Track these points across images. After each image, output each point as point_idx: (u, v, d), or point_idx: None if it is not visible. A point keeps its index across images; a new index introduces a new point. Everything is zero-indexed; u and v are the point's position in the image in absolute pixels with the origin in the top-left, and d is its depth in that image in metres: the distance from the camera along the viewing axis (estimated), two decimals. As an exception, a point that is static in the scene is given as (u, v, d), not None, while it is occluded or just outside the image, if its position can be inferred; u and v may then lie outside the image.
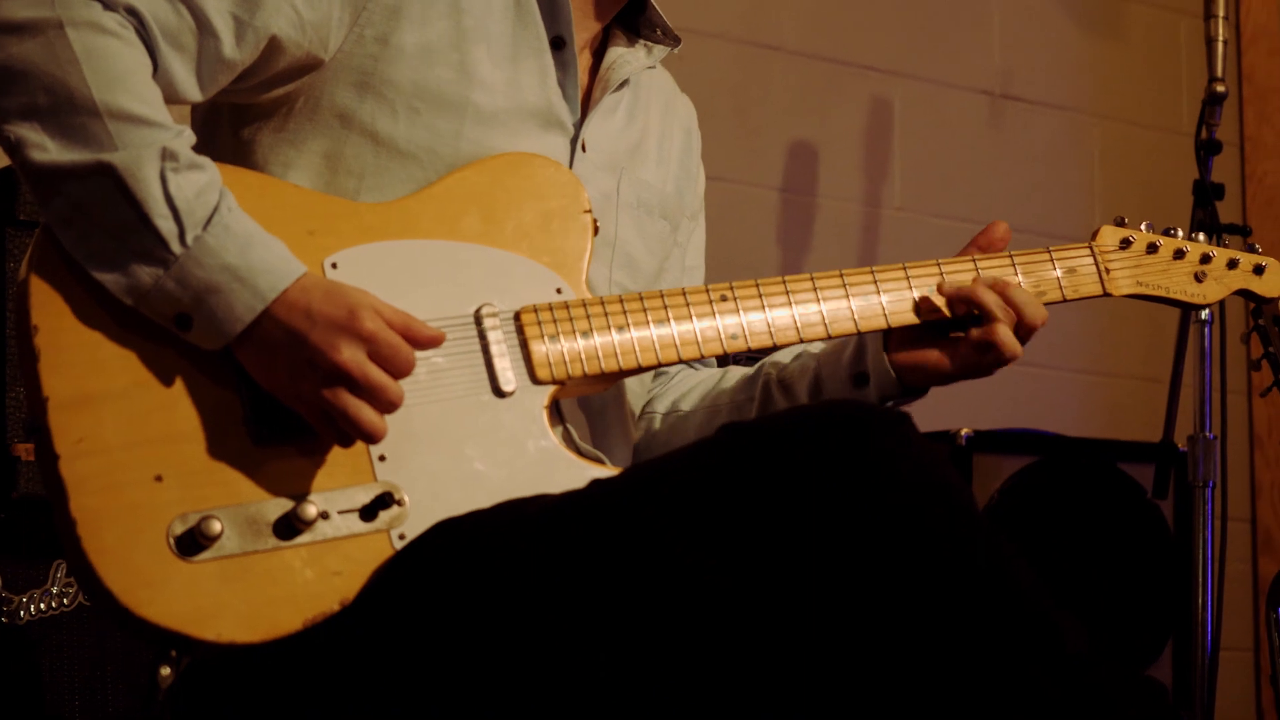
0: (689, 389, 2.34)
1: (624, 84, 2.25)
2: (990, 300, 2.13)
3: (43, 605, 2.86)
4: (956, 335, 2.18)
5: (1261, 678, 4.63)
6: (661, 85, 2.36)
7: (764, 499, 1.75)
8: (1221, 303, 3.46)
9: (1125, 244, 2.28)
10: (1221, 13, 3.67)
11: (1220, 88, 3.65)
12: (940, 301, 2.16)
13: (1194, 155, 3.68)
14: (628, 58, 2.26)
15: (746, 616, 1.74)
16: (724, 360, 2.42)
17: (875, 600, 1.72)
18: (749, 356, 2.33)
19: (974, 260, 2.19)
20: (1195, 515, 3.60)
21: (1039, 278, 2.22)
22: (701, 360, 2.32)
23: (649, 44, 2.29)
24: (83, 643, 2.88)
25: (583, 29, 2.21)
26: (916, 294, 2.17)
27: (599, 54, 2.27)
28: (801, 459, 1.75)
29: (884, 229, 4.40)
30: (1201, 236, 2.35)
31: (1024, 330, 2.15)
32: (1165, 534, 3.77)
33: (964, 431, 3.57)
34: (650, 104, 2.32)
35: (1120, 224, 2.29)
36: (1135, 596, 3.73)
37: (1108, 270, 2.26)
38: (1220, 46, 3.67)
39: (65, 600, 2.87)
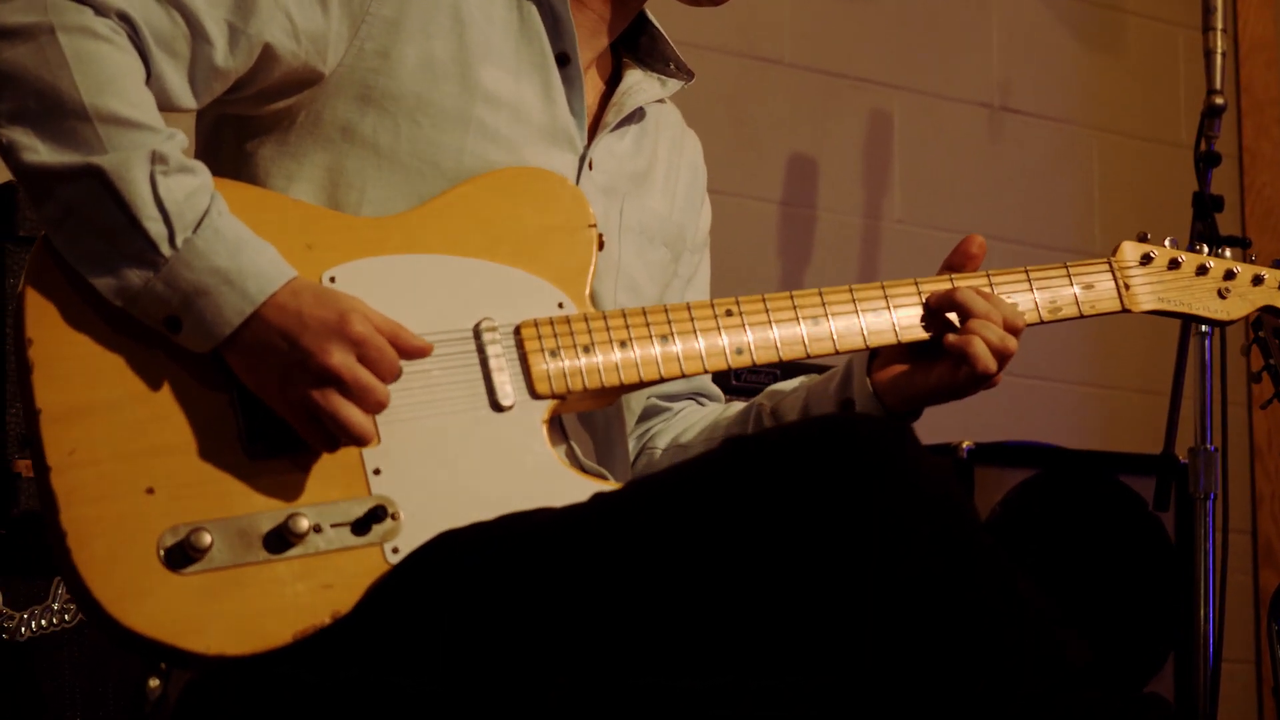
0: (690, 424, 2.33)
1: (636, 112, 2.24)
2: (966, 299, 2.09)
3: (44, 622, 2.86)
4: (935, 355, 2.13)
5: (1264, 690, 4.63)
6: (671, 120, 2.35)
7: (767, 508, 1.74)
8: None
9: (1146, 259, 2.25)
10: (1220, 25, 3.66)
11: (1219, 100, 3.64)
12: (925, 315, 2.12)
13: (1193, 167, 3.67)
14: (644, 85, 2.24)
15: (750, 626, 1.74)
16: (725, 379, 2.39)
17: (877, 610, 1.71)
18: (756, 378, 2.30)
19: (988, 275, 2.16)
20: (1196, 527, 3.59)
21: (1055, 293, 2.19)
22: (704, 375, 2.30)
23: (663, 77, 2.27)
24: (83, 659, 2.87)
25: (588, 47, 2.19)
26: (919, 310, 2.13)
27: (613, 80, 2.26)
28: (803, 468, 1.75)
29: (884, 242, 4.40)
30: (1229, 252, 2.30)
31: (1006, 340, 2.10)
32: (1166, 546, 3.77)
33: (965, 444, 3.57)
34: (659, 136, 2.30)
35: (1143, 239, 2.26)
36: (1136, 609, 3.73)
37: (1127, 286, 2.23)
38: (1219, 59, 3.66)
39: (66, 617, 2.86)
